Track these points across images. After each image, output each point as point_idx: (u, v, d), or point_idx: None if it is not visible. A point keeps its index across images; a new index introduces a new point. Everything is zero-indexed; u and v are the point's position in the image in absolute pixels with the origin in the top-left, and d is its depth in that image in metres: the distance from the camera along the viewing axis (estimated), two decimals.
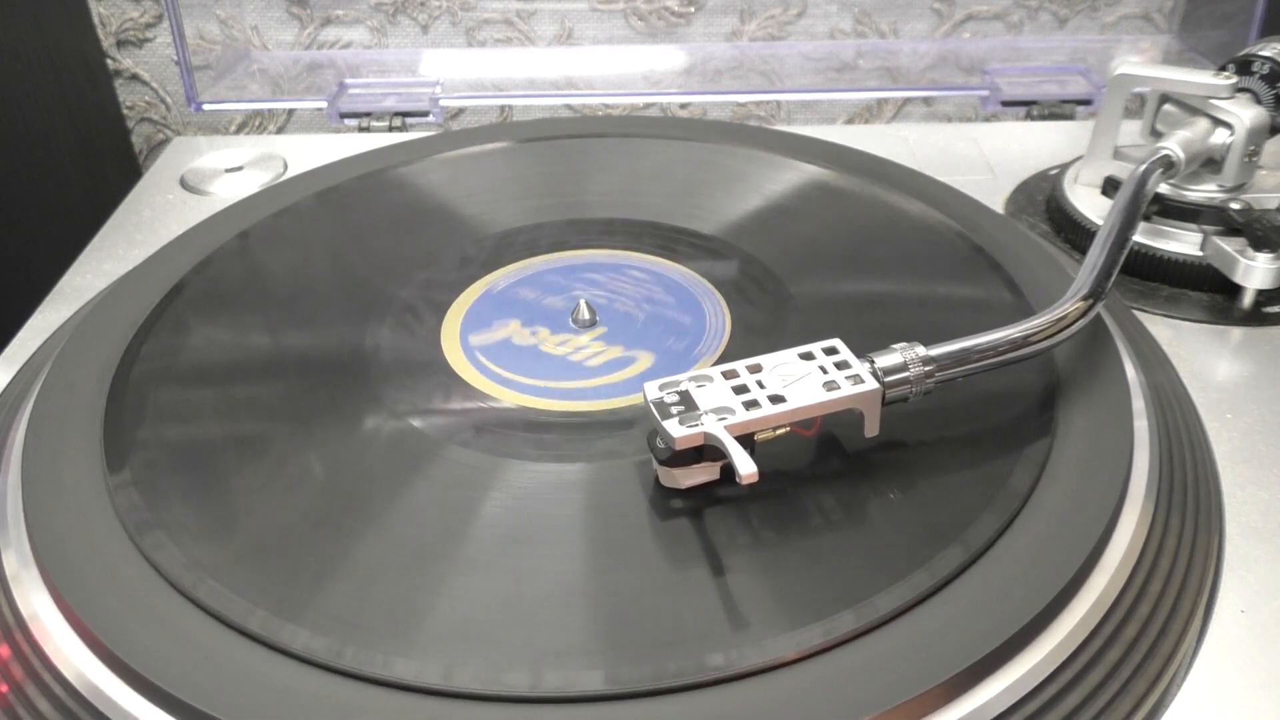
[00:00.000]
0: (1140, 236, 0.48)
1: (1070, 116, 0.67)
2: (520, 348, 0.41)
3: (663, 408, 0.32)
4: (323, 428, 0.37)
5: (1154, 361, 0.42)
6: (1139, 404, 0.37)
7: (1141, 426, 0.36)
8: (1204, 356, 0.43)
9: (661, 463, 0.33)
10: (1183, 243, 0.47)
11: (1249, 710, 0.30)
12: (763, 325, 0.42)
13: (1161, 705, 0.30)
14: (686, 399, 0.32)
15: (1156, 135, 0.50)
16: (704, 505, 0.33)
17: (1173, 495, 0.35)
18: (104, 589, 0.30)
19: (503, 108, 0.82)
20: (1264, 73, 0.48)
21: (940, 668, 0.27)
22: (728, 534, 0.32)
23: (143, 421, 0.37)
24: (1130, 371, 0.38)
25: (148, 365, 0.39)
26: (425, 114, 0.69)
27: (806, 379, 0.33)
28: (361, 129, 0.68)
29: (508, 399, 0.38)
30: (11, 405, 0.41)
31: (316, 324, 0.42)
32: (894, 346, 0.34)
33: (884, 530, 0.32)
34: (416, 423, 0.37)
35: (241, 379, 0.39)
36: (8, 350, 0.46)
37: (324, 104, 0.70)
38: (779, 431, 0.33)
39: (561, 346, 0.41)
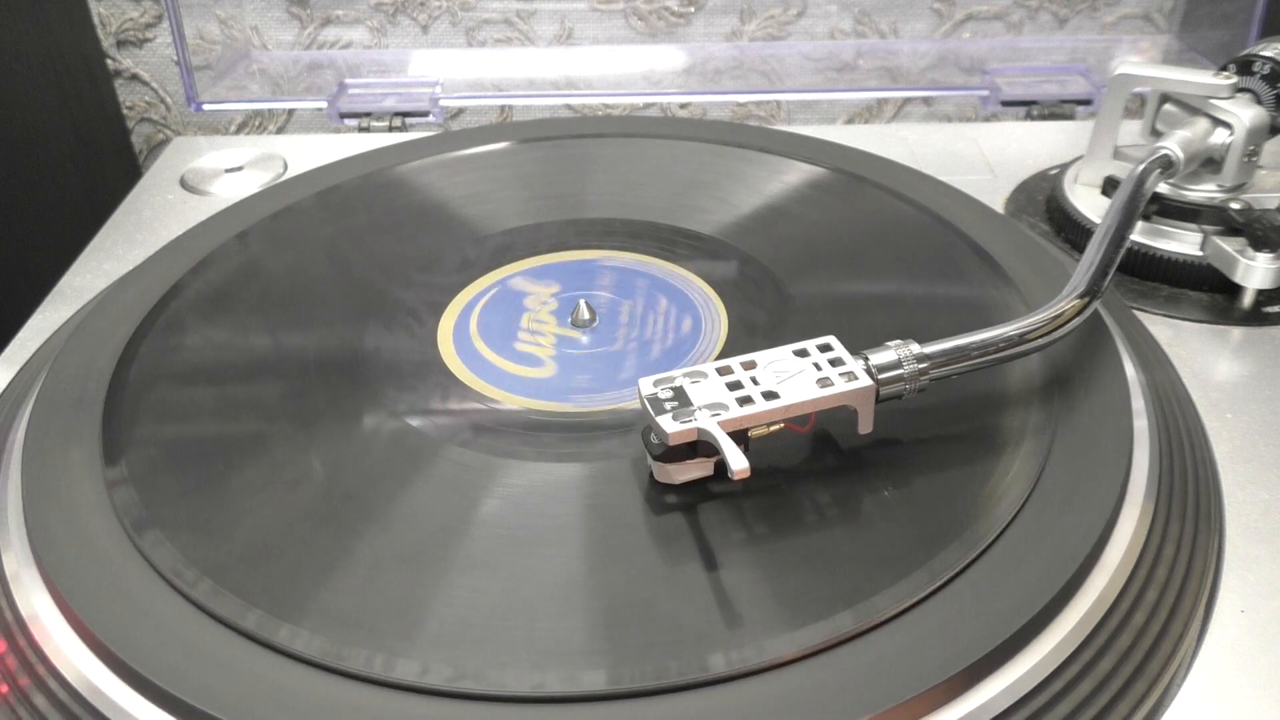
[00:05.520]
0: (1140, 236, 0.48)
1: (1070, 116, 0.67)
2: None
3: (656, 403, 0.32)
4: (322, 427, 0.37)
5: (1154, 361, 0.42)
6: (1139, 404, 0.37)
7: (1141, 426, 0.36)
8: (1204, 356, 0.43)
9: (655, 458, 0.33)
10: (1183, 243, 0.47)
11: (1249, 710, 0.30)
12: (762, 325, 0.42)
13: (1161, 705, 0.30)
14: (680, 395, 0.33)
15: (1156, 135, 0.50)
16: (704, 503, 0.33)
17: (1173, 495, 0.35)
18: (104, 589, 0.30)
19: (503, 108, 0.82)
20: (1265, 73, 0.47)
21: (940, 668, 0.27)
22: (728, 533, 0.32)
23: (143, 422, 0.37)
24: (1130, 371, 0.38)
25: (147, 365, 0.39)
26: (425, 114, 0.69)
27: (800, 375, 0.33)
28: (361, 129, 0.68)
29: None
30: (11, 405, 0.41)
31: (316, 324, 0.42)
32: (888, 344, 0.34)
33: (883, 529, 0.32)
34: (415, 423, 0.37)
35: (241, 379, 0.39)
36: (8, 350, 0.46)
37: (324, 104, 0.70)
38: (773, 428, 0.33)
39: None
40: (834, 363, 0.34)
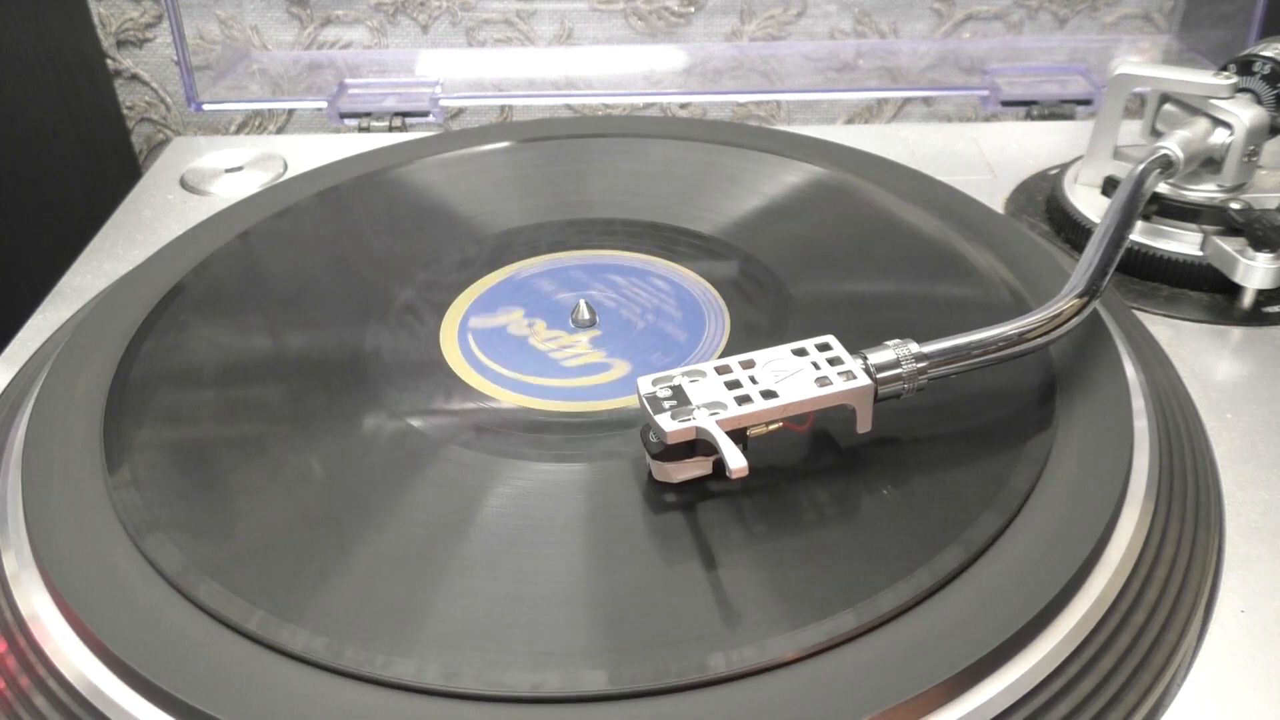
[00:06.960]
0: (1140, 236, 0.48)
1: (1070, 116, 0.67)
2: (520, 349, 0.41)
3: (655, 402, 0.32)
4: (323, 428, 0.37)
5: (1154, 361, 0.42)
6: (1139, 404, 0.37)
7: (1141, 426, 0.36)
8: (1204, 356, 0.43)
9: (654, 457, 0.33)
10: (1183, 243, 0.47)
11: (1249, 710, 0.30)
12: (763, 325, 0.42)
13: (1161, 705, 0.30)
14: (679, 393, 0.33)
15: (1157, 135, 0.50)
16: (703, 502, 0.33)
17: (1173, 495, 0.35)
18: (104, 589, 0.30)
19: (503, 108, 0.82)
20: (1265, 73, 0.47)
21: (940, 668, 0.27)
22: (727, 532, 0.32)
23: (143, 422, 0.37)
24: (1130, 371, 0.38)
25: (147, 366, 0.39)
26: (425, 114, 0.69)
27: (799, 374, 0.33)
28: (361, 129, 0.68)
29: (507, 399, 0.38)
30: (11, 405, 0.41)
31: (316, 324, 0.42)
32: (887, 343, 0.34)
33: (883, 529, 0.32)
34: (416, 423, 0.37)
35: (242, 379, 0.39)
36: (8, 350, 0.46)
37: (324, 104, 0.70)
38: (772, 427, 0.33)
39: (559, 346, 0.41)
40: (832, 362, 0.34)
